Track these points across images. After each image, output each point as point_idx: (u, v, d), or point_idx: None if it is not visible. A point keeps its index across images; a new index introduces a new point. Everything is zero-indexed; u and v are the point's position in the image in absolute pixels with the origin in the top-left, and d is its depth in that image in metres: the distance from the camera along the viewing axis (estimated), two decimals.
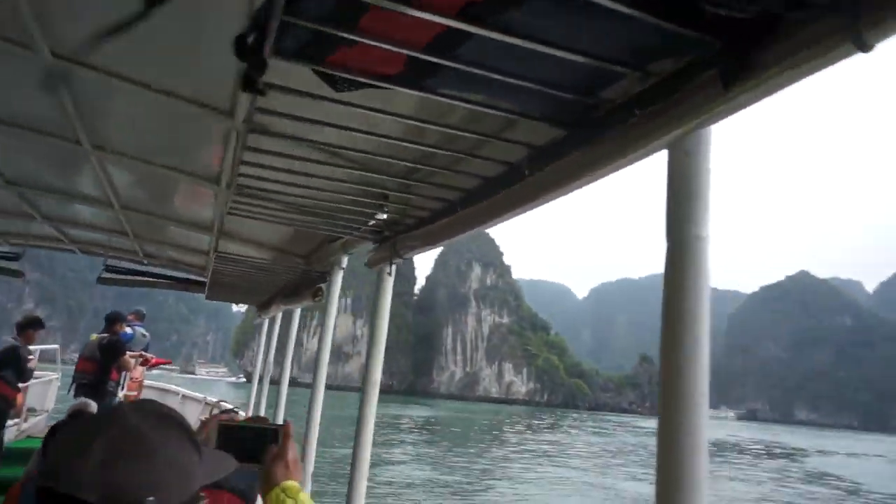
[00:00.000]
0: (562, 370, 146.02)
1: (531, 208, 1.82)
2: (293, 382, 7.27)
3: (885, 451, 51.74)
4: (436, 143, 1.90)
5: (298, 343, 66.40)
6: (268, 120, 1.91)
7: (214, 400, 9.53)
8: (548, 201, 1.72)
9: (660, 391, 1.15)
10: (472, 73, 1.27)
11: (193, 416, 7.97)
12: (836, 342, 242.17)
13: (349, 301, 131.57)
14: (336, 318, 4.31)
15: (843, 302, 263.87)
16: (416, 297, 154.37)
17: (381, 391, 3.33)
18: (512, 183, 1.84)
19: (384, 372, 4.17)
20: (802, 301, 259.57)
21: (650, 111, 1.24)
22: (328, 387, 4.15)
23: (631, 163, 1.36)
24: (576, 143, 1.51)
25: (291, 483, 1.23)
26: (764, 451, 40.59)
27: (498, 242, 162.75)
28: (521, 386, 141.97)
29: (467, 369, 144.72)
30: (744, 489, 20.22)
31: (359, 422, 2.93)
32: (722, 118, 1.10)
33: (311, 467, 3.88)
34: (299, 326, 7.18)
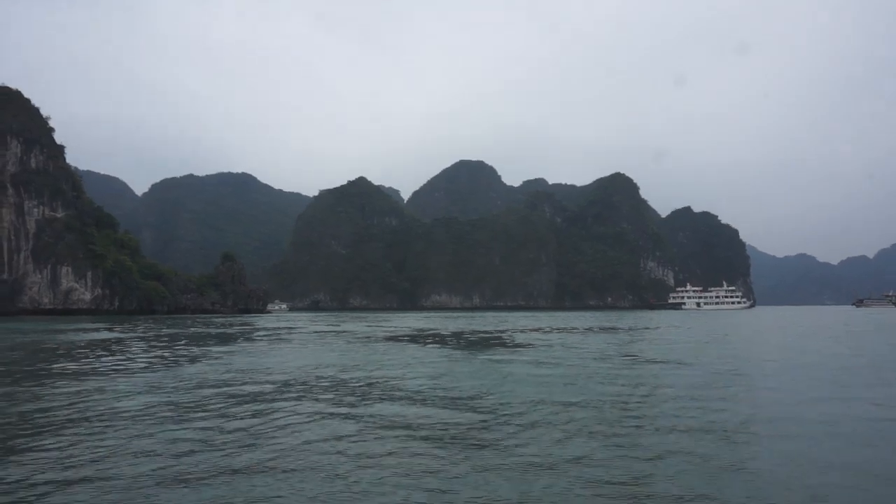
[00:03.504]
0: (135, 272, 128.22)
1: None
2: None
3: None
4: None
5: None
6: None
7: None
8: None
9: None
10: None
11: None
12: (384, 239, 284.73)
13: None
14: None
15: (390, 206, 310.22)
16: None
17: None
18: None
19: None
20: (360, 204, 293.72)
21: None
22: None
23: None
24: None
25: None
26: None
27: (45, 114, 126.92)
28: (84, 293, 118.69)
29: (4, 276, 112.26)
30: None
31: None
32: None
33: None
34: None
